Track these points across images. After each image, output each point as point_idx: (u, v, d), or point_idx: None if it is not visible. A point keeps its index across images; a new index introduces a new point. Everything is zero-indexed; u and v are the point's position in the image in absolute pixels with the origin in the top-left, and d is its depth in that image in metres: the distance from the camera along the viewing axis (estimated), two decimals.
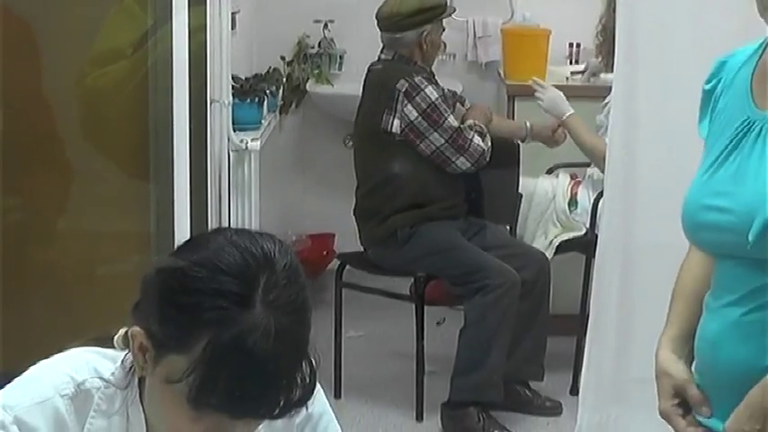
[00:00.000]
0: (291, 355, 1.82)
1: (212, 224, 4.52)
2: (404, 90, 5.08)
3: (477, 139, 5.10)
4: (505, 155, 5.33)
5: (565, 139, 5.25)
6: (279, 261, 1.84)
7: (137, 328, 1.86)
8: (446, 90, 5.31)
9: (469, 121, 5.20)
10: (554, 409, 5.17)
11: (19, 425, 1.88)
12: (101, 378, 1.95)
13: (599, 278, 4.27)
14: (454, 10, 5.55)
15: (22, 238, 4.51)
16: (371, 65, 5.45)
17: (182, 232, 4.15)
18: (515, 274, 4.99)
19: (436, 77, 5.32)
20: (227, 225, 4.70)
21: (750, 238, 2.27)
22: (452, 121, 5.11)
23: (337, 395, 5.21)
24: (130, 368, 1.94)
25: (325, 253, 6.36)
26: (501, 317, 4.97)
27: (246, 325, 1.77)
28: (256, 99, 5.49)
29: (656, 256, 3.67)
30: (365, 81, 5.44)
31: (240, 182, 5.02)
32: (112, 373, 1.96)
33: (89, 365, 1.97)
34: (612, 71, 4.29)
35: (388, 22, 5.30)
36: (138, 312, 1.89)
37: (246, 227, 5.03)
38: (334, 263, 5.72)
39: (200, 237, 1.98)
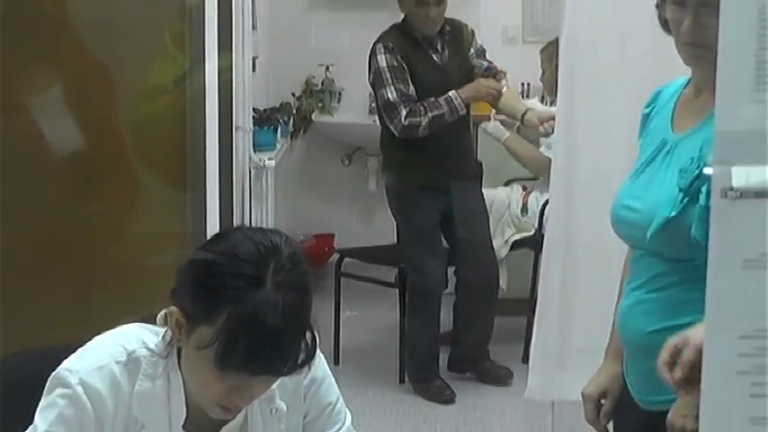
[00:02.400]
0: (296, 325, 1.85)
1: (236, 225, 4.55)
2: (371, 49, 4.98)
3: (407, 119, 4.78)
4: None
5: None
6: (284, 250, 1.88)
7: (174, 308, 1.90)
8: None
9: (450, 93, 4.82)
10: (507, 377, 5.11)
11: (83, 385, 1.88)
12: (147, 348, 1.96)
13: (545, 268, 4.26)
14: None
15: (99, 237, 4.53)
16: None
17: (212, 232, 4.15)
18: (439, 278, 5.01)
19: (432, 44, 4.93)
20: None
21: (648, 233, 2.30)
22: (388, 93, 4.82)
23: (336, 362, 5.25)
24: (170, 341, 1.94)
25: (326, 249, 6.38)
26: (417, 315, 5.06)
27: (259, 300, 1.81)
28: (272, 126, 5.52)
29: (591, 250, 3.67)
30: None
31: (259, 192, 5.03)
32: (156, 345, 1.96)
33: (138, 338, 1.97)
34: (555, 103, 4.34)
35: None
36: (174, 295, 1.91)
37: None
38: (334, 257, 5.75)
39: (222, 232, 2.10)
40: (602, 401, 2.60)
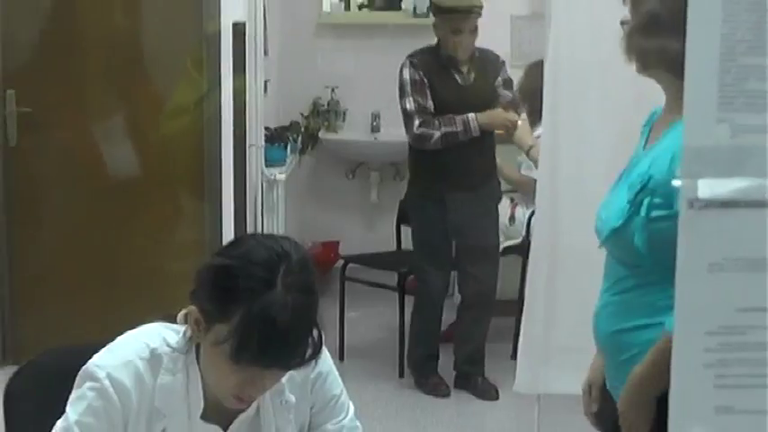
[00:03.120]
0: (303, 322, 1.87)
1: (250, 233, 4.57)
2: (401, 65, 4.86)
3: (419, 128, 4.72)
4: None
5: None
6: (294, 255, 1.89)
7: (193, 308, 1.91)
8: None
9: (469, 115, 4.74)
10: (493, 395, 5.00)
11: (110, 379, 1.90)
12: (168, 345, 1.96)
13: (531, 273, 4.25)
14: (463, 12, 4.82)
15: (125, 245, 4.57)
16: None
17: (228, 239, 4.17)
18: (441, 287, 4.99)
19: (457, 66, 4.83)
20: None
21: (600, 241, 2.34)
22: (407, 103, 4.74)
23: (341, 358, 5.24)
24: (189, 338, 1.95)
25: (332, 255, 6.38)
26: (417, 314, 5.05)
27: (270, 300, 1.83)
28: (282, 144, 5.53)
29: (573, 257, 3.67)
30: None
31: (270, 204, 5.04)
32: (176, 342, 1.97)
33: (159, 336, 1.98)
34: (534, 125, 4.36)
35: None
36: (194, 296, 1.92)
37: None
38: (339, 262, 5.76)
39: (237, 239, 2.11)
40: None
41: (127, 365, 1.92)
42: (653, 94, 2.56)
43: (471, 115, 4.71)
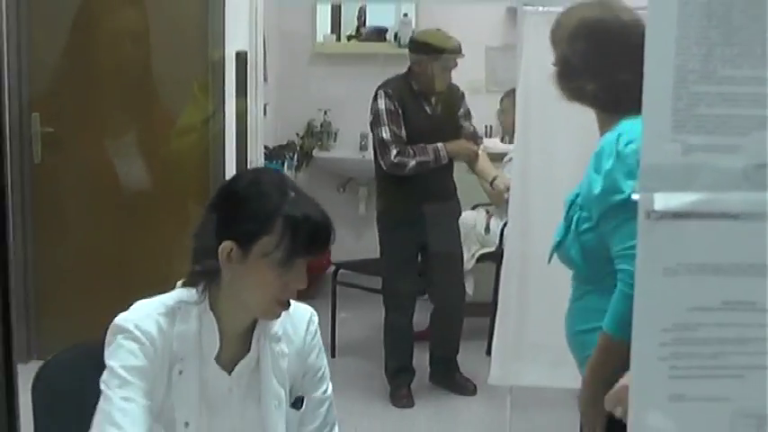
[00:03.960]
0: (321, 209, 1.98)
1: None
2: (374, 94, 4.81)
3: (396, 157, 4.64)
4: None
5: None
6: (273, 171, 2.16)
7: (225, 242, 1.93)
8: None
9: (438, 144, 4.71)
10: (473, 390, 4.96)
11: (138, 328, 1.93)
12: (180, 300, 1.99)
13: (504, 278, 4.26)
14: (449, 53, 4.81)
15: (139, 251, 4.56)
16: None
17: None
18: (408, 306, 4.92)
19: (427, 97, 4.78)
20: None
21: (548, 256, 2.39)
22: (383, 132, 4.67)
23: (333, 356, 5.23)
24: (202, 290, 1.98)
25: (324, 261, 6.36)
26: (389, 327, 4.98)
27: (296, 203, 1.94)
28: (280, 161, 5.54)
29: (542, 263, 3.66)
30: None
31: None
32: (187, 297, 1.99)
33: (170, 296, 2.01)
34: (511, 142, 4.37)
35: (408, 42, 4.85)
36: (222, 233, 1.95)
37: None
38: (331, 268, 5.74)
39: (230, 181, 2.12)
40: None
41: (149, 317, 1.95)
42: None
43: (440, 145, 4.70)
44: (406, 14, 6.43)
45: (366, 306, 5.64)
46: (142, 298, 2.07)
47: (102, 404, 1.90)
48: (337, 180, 6.65)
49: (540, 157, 3.73)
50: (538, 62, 3.63)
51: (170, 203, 4.63)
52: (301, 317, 2.13)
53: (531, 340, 3.92)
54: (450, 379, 5.03)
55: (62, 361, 2.21)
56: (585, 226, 2.28)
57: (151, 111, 4.44)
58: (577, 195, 2.32)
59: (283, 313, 2.04)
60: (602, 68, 2.34)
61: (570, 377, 2.57)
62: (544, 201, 3.63)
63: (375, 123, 4.73)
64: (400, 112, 4.71)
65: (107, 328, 2.00)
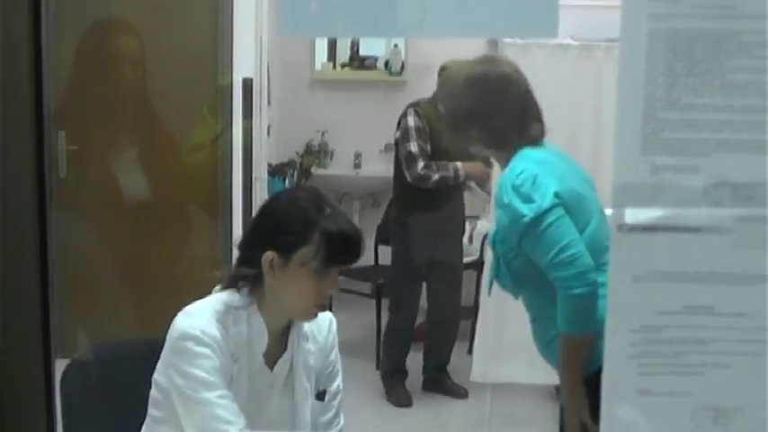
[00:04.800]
0: (353, 224, 2.07)
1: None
2: (403, 111, 4.75)
3: (422, 170, 4.57)
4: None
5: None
6: (309, 189, 2.15)
7: (268, 253, 1.97)
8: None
9: (454, 163, 4.65)
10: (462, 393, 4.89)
11: (204, 333, 1.94)
12: (231, 306, 2.01)
13: (485, 284, 4.28)
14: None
15: (151, 258, 4.54)
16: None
17: (235, 255, 4.17)
18: (412, 316, 4.87)
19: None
20: None
21: (488, 287, 2.55)
22: (412, 146, 4.58)
23: None
24: (249, 294, 2.01)
25: None
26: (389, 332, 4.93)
27: (331, 217, 2.00)
28: (282, 177, 5.53)
29: None
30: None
31: None
32: (237, 302, 2.02)
33: (221, 301, 2.02)
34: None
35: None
36: (265, 244, 1.99)
37: None
38: None
39: (270, 199, 2.19)
40: None
41: (210, 322, 1.97)
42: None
43: (459, 164, 4.64)
44: (396, 45, 6.45)
45: (359, 309, 5.64)
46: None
47: (198, 409, 1.90)
48: (333, 195, 6.60)
49: None
50: None
51: (182, 214, 4.62)
52: (323, 319, 2.18)
53: (509, 341, 3.93)
54: (442, 384, 4.97)
55: (84, 361, 2.21)
56: (511, 255, 2.31)
57: (166, 130, 4.42)
58: (496, 233, 2.36)
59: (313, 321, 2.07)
60: (486, 115, 2.40)
61: (544, 374, 2.58)
62: None
63: (404, 138, 4.64)
64: (427, 129, 4.64)
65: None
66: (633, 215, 1.08)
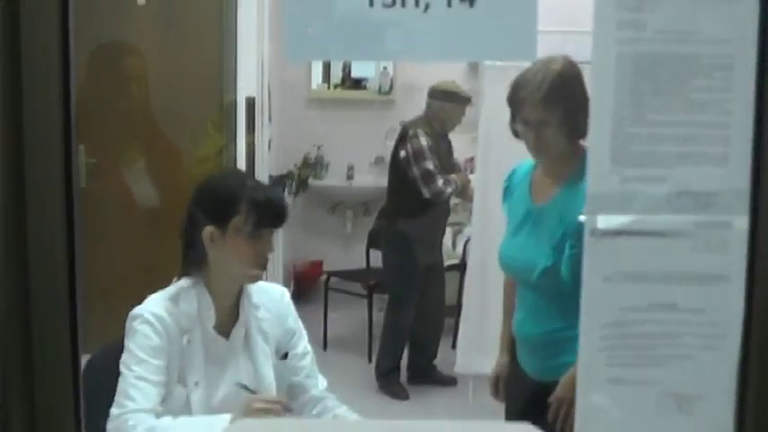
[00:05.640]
0: (278, 189, 2.19)
1: (265, 274, 4.58)
2: (409, 133, 4.65)
3: (440, 185, 4.54)
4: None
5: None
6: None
7: (207, 227, 2.06)
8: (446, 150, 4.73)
9: (453, 176, 4.64)
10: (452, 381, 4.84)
11: (150, 313, 2.02)
12: (180, 287, 2.09)
13: (467, 284, 4.29)
14: (468, 101, 4.72)
15: (160, 264, 4.52)
16: (409, 120, 4.85)
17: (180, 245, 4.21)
18: (410, 317, 4.80)
19: (447, 138, 4.74)
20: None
21: (534, 276, 2.32)
22: (429, 164, 4.53)
23: (324, 348, 5.22)
24: (196, 275, 2.09)
25: (318, 271, 6.37)
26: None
27: (255, 186, 2.10)
28: (281, 187, 5.51)
29: (498, 272, 3.68)
30: (400, 131, 4.86)
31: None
32: (185, 283, 2.09)
33: (174, 285, 2.11)
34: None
35: (429, 90, 4.75)
36: (202, 222, 2.07)
37: (276, 260, 5.02)
38: (323, 276, 5.75)
39: (201, 183, 2.21)
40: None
41: (157, 303, 2.05)
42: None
43: (454, 177, 4.64)
44: (385, 67, 6.46)
45: (352, 308, 5.65)
46: None
47: (120, 381, 1.93)
48: (328, 204, 6.65)
49: (498, 183, 3.74)
50: (496, 108, 3.66)
51: None
52: (274, 291, 2.25)
53: (490, 335, 3.93)
54: (432, 376, 4.95)
55: (97, 359, 2.21)
56: (574, 251, 2.24)
57: (174, 144, 4.42)
58: (566, 228, 2.26)
59: (260, 291, 2.14)
60: (584, 107, 2.27)
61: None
62: (500, 222, 3.65)
63: (419, 157, 4.55)
64: (434, 147, 4.60)
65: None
66: (605, 221, 1.08)
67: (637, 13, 1.06)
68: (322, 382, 2.26)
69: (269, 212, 2.06)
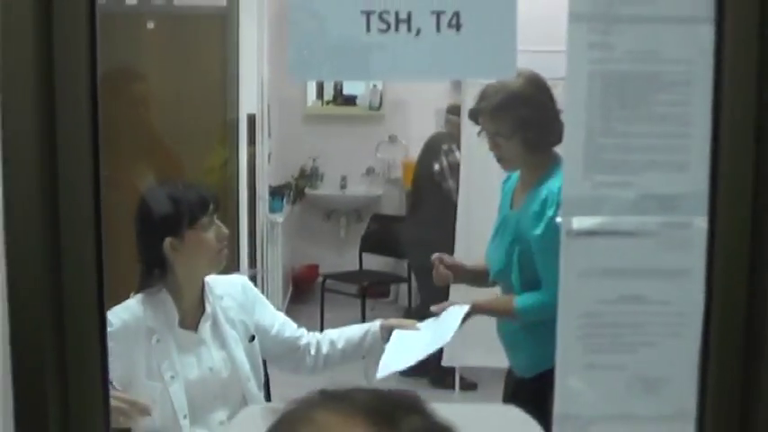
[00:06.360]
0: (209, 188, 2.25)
1: (260, 261, 4.49)
2: (443, 148, 4.61)
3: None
4: None
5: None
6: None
7: (168, 240, 2.09)
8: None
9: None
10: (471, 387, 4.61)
11: (111, 315, 2.01)
12: (143, 293, 2.11)
13: (453, 285, 4.28)
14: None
15: None
16: (433, 134, 4.81)
17: (243, 265, 4.15)
18: None
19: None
20: (265, 262, 4.69)
21: (490, 276, 2.39)
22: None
23: None
24: (156, 284, 2.12)
25: (314, 273, 6.36)
26: None
27: (189, 190, 2.14)
28: (280, 197, 5.51)
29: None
30: (426, 144, 4.80)
31: (272, 238, 5.02)
32: (148, 291, 2.12)
33: (134, 296, 2.12)
34: None
35: (448, 107, 4.70)
36: (158, 237, 2.10)
37: (275, 263, 5.03)
38: (319, 279, 5.74)
39: (139, 204, 2.24)
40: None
41: (124, 309, 2.08)
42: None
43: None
44: (374, 85, 6.48)
45: (346, 307, 5.64)
46: None
47: None
48: (323, 211, 6.65)
49: (481, 195, 3.75)
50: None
51: None
52: (236, 282, 2.27)
53: (472, 332, 3.94)
54: (430, 371, 4.86)
55: None
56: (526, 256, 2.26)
57: (181, 157, 4.42)
58: (519, 234, 2.28)
59: (223, 283, 2.20)
60: (549, 119, 2.25)
61: (499, 359, 2.59)
62: (484, 228, 3.66)
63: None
64: None
65: None
66: (578, 222, 1.10)
67: (606, 36, 1.08)
68: (300, 330, 2.33)
69: (205, 204, 2.11)
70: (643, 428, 1.13)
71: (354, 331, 2.30)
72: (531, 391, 2.25)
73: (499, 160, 2.33)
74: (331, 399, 0.84)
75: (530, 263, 2.23)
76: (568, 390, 1.12)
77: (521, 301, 2.27)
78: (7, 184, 0.99)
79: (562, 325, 1.11)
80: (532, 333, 2.30)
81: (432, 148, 4.69)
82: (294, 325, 2.32)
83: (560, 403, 1.12)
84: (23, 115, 0.99)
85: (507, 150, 2.29)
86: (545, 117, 2.24)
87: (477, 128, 2.41)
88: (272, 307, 2.31)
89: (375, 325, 2.28)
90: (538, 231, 2.20)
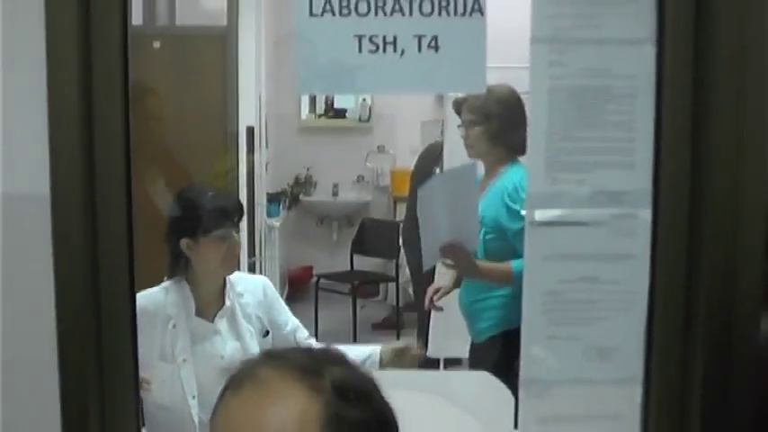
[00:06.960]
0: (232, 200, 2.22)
1: (260, 260, 4.49)
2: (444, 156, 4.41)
3: None
4: None
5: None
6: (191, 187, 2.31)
7: (182, 240, 2.12)
8: None
9: None
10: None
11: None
12: (171, 282, 2.15)
13: (436, 281, 4.32)
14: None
15: None
16: (432, 143, 4.74)
17: (244, 267, 4.17)
18: None
19: None
20: (266, 261, 4.71)
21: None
22: None
23: (316, 340, 5.18)
24: (181, 273, 2.15)
25: (309, 274, 6.35)
26: None
27: (217, 199, 2.15)
28: (277, 203, 5.50)
29: None
30: (426, 150, 4.73)
31: (270, 241, 5.00)
32: (171, 281, 2.15)
33: (164, 282, 2.16)
34: None
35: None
36: (181, 236, 2.13)
37: (273, 263, 5.06)
38: (314, 279, 5.74)
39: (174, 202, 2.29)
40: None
41: (150, 294, 2.12)
42: None
43: None
44: (364, 99, 6.51)
45: (338, 305, 5.65)
46: None
47: None
48: (317, 217, 6.65)
49: None
50: (458, 132, 3.74)
51: None
52: (257, 282, 2.30)
53: (455, 325, 3.98)
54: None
55: None
56: (490, 236, 2.36)
57: (187, 167, 4.45)
58: (483, 217, 2.37)
59: (244, 281, 2.22)
60: (521, 125, 2.36)
61: None
62: None
63: None
64: None
65: None
66: (540, 214, 1.16)
67: (563, 56, 1.16)
68: (311, 339, 2.40)
69: (225, 217, 2.12)
70: (597, 390, 1.19)
71: (356, 353, 2.31)
72: (485, 352, 2.42)
73: (466, 146, 2.45)
74: (270, 357, 0.96)
75: (492, 240, 2.34)
76: (533, 357, 1.18)
77: (517, 265, 2.34)
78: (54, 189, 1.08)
79: (527, 301, 1.17)
80: (485, 304, 2.43)
81: (431, 155, 4.71)
82: (306, 332, 2.37)
83: (525, 369, 1.18)
84: (68, 129, 1.08)
85: (473, 137, 2.42)
86: (511, 119, 2.39)
87: (461, 134, 2.50)
88: (288, 310, 2.34)
89: (376, 351, 2.30)
90: (517, 227, 2.29)
